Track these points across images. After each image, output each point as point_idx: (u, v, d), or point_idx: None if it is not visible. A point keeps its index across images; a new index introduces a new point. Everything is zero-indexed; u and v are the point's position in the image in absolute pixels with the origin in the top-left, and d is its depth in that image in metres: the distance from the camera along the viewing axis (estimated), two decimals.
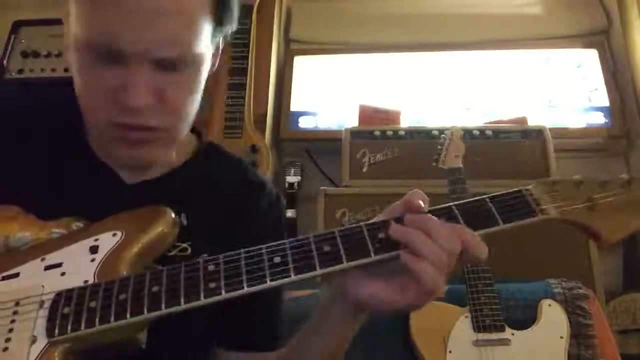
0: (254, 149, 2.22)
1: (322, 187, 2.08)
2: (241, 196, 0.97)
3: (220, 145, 1.07)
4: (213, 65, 0.90)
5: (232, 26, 0.86)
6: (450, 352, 1.41)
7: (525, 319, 1.48)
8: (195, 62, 0.80)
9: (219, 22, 0.82)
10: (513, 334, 1.43)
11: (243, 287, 0.67)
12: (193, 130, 0.99)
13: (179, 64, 0.77)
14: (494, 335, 1.43)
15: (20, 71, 2.34)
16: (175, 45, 0.76)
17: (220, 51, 0.91)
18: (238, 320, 0.91)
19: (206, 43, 0.81)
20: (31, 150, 0.89)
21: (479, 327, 1.43)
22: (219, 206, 0.93)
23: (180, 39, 0.76)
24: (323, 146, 2.40)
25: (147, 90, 0.76)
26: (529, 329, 1.45)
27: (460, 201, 0.74)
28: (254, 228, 0.94)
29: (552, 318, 1.47)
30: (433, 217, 0.69)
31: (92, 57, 0.76)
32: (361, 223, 0.71)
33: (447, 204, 0.73)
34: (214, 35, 0.83)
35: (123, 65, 0.75)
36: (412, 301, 0.68)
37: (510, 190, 0.75)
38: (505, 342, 1.42)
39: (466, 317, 1.46)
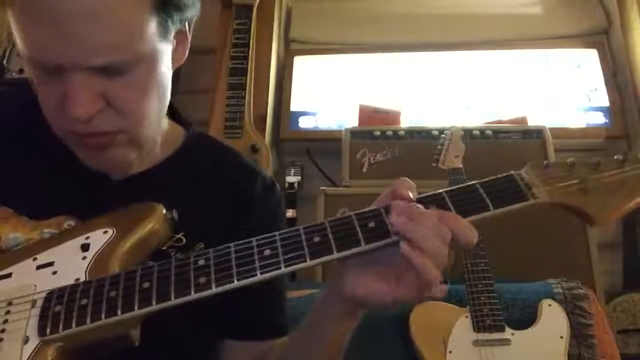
0: (254, 149, 2.22)
1: (322, 187, 2.08)
2: (233, 183, 0.96)
3: (209, 135, 1.05)
4: (179, 57, 0.86)
5: (188, 12, 0.81)
6: (450, 352, 1.41)
7: (525, 319, 1.47)
8: (141, 61, 0.76)
9: (162, 13, 0.77)
10: (513, 334, 1.42)
11: (233, 281, 0.67)
12: (182, 122, 0.98)
13: (120, 67, 0.74)
14: (494, 335, 1.42)
15: (21, 71, 2.33)
16: (106, 51, 0.72)
17: (186, 39, 0.87)
18: (239, 310, 0.90)
19: (153, 39, 0.76)
20: (20, 151, 0.88)
21: (479, 327, 1.43)
22: (211, 194, 0.92)
23: (110, 45, 0.72)
24: (323, 146, 2.40)
25: (89, 98, 0.73)
26: (529, 329, 1.44)
27: (451, 187, 0.73)
28: (251, 215, 0.93)
29: (552, 318, 1.46)
30: (418, 205, 0.69)
31: (37, 71, 0.75)
32: (351, 213, 0.70)
33: (437, 191, 0.72)
34: (163, 28, 0.78)
35: (62, 76, 0.73)
36: (408, 294, 0.67)
37: (501, 175, 0.74)
38: (505, 342, 1.41)
39: (466, 317, 1.45)
